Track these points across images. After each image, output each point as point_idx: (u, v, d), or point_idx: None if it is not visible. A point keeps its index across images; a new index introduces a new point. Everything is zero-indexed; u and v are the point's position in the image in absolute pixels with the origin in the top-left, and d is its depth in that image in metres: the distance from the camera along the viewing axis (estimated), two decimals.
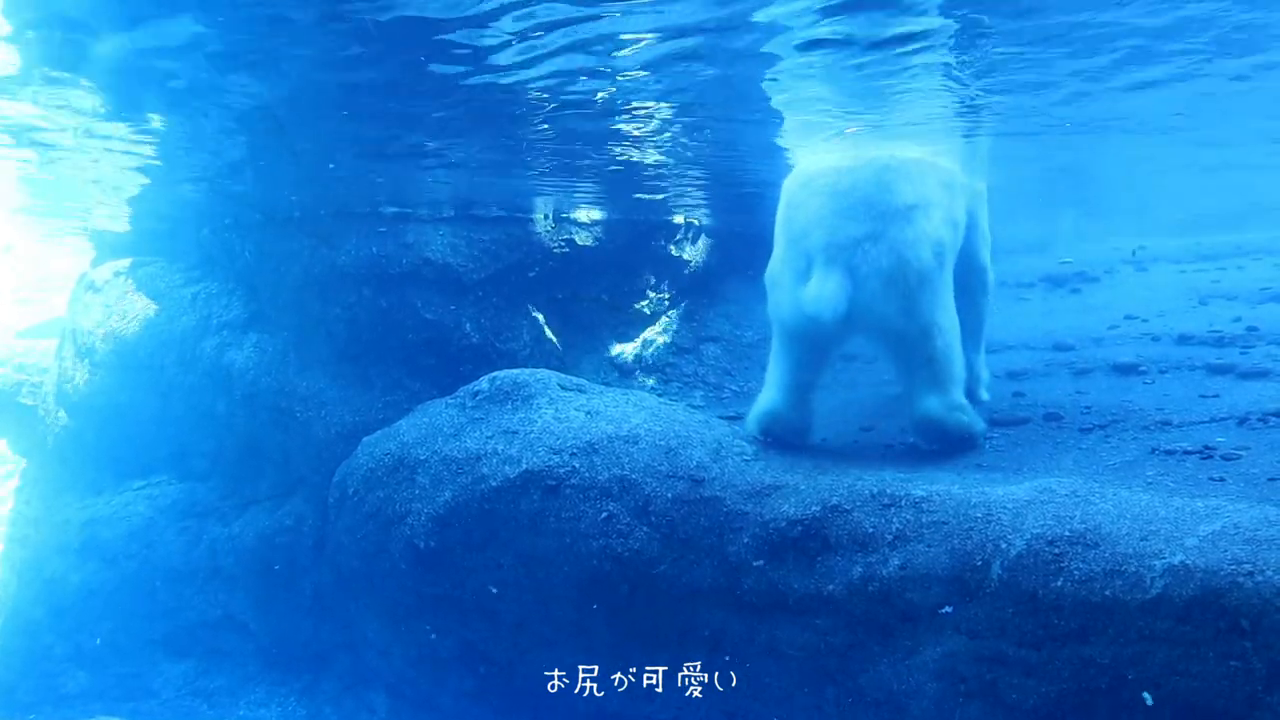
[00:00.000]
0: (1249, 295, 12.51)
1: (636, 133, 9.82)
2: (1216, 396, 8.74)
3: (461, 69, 7.37)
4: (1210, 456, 7.21)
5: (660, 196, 12.73)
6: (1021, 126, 10.75)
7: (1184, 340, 10.78)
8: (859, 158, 8.49)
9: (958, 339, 8.39)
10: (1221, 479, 6.68)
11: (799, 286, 7.97)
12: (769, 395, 8.69)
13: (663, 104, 8.81)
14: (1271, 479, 6.54)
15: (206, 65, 7.19)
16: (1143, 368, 10.01)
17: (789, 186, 8.70)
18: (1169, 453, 7.42)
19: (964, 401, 8.34)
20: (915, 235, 7.98)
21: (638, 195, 12.87)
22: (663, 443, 8.26)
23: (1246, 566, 5.25)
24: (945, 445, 8.23)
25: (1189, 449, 7.40)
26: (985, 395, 9.83)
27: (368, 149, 9.90)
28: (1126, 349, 10.85)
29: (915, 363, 8.19)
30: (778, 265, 8.44)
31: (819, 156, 9.09)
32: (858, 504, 6.98)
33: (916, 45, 7.46)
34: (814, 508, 7.09)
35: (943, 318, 8.19)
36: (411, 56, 7.07)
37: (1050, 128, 10.85)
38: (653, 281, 13.26)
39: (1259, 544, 5.41)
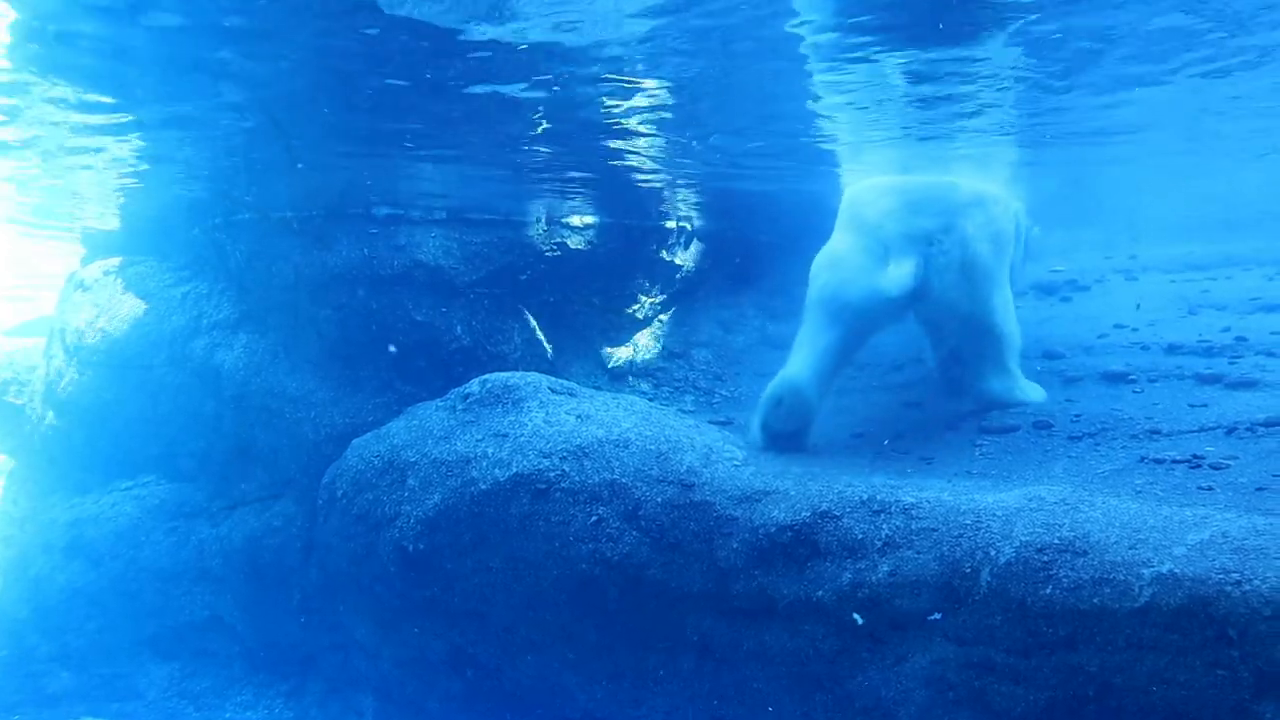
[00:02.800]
0: (1238, 305, 12.56)
1: (635, 142, 9.83)
2: (1205, 406, 8.77)
3: (459, 69, 7.37)
4: (1199, 465, 7.24)
5: (657, 185, 12.68)
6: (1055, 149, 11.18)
7: (1173, 350, 10.81)
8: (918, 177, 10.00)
9: (1014, 321, 9.58)
10: (1210, 488, 6.71)
11: (875, 271, 8.89)
12: (794, 369, 9.02)
13: (660, 95, 8.82)
14: (1259, 488, 6.57)
15: (204, 60, 7.17)
16: (1132, 376, 10.03)
17: (854, 190, 9.79)
18: (1158, 461, 7.44)
19: (1020, 376, 9.55)
20: (978, 231, 9.13)
21: (631, 197, 12.87)
22: (653, 447, 8.26)
23: (1234, 576, 5.28)
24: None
25: (1178, 458, 7.43)
26: None
27: (362, 149, 9.88)
28: (1116, 358, 10.87)
29: (980, 344, 9.42)
30: (841, 252, 9.34)
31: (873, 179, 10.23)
32: (848, 510, 6.99)
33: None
34: (804, 513, 7.10)
35: (1001, 303, 9.40)
36: (408, 57, 7.06)
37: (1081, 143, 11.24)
38: (644, 285, 13.26)
39: (1247, 553, 5.43)
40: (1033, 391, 9.56)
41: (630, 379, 12.42)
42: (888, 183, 9.53)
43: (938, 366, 10.99)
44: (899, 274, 8.68)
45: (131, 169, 10.75)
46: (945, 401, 10.26)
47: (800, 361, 9.02)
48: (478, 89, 7.78)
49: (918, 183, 9.50)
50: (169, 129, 9.11)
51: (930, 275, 8.76)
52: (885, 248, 8.92)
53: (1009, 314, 9.53)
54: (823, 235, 15.37)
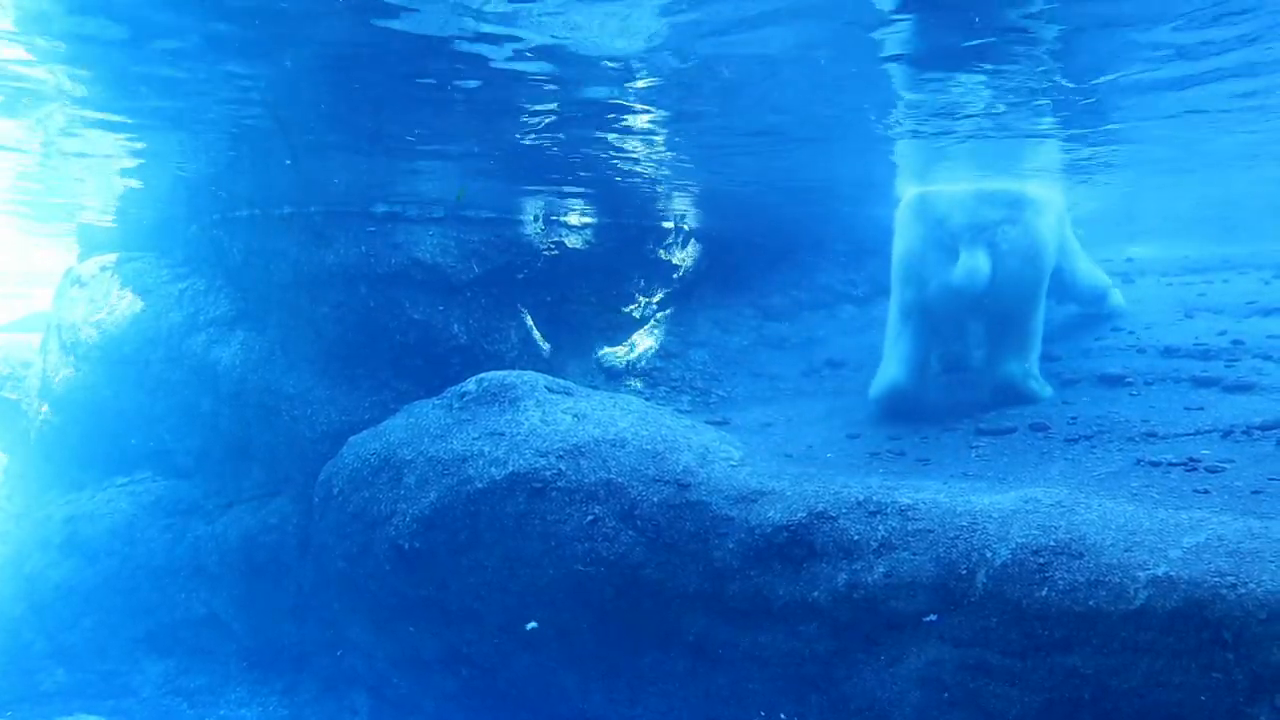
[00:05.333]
0: (1235, 309, 12.55)
1: (635, 144, 9.82)
2: (1202, 409, 8.78)
3: (456, 68, 7.36)
4: (1195, 468, 7.25)
5: (657, 185, 12.68)
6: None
7: (1170, 352, 10.81)
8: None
9: (1042, 319, 10.16)
10: (1206, 491, 6.71)
11: (945, 265, 9.55)
12: (890, 371, 10.08)
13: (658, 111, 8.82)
14: (1256, 492, 6.57)
15: (204, 55, 7.15)
16: (1129, 379, 10.04)
17: (917, 191, 10.34)
18: (1154, 464, 7.45)
19: (1037, 371, 9.98)
20: (1043, 225, 9.79)
21: (629, 196, 12.86)
22: (649, 447, 8.26)
23: (1230, 579, 5.28)
24: (1015, 402, 9.72)
25: (1174, 461, 7.43)
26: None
27: (362, 146, 9.87)
28: (1113, 360, 10.88)
29: (1010, 332, 9.89)
30: (917, 246, 9.85)
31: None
32: (844, 511, 6.99)
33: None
34: (800, 514, 7.10)
35: (1042, 299, 10.02)
36: (408, 58, 7.05)
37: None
38: (641, 285, 13.26)
39: (1242, 556, 5.44)
40: (1042, 388, 9.91)
41: (627, 378, 12.42)
42: (958, 183, 10.46)
43: (942, 359, 11.26)
44: (970, 265, 9.27)
45: (130, 164, 10.72)
46: (942, 402, 10.27)
47: (892, 360, 10.03)
48: (479, 84, 7.75)
49: (989, 183, 10.34)
50: (169, 123, 9.10)
51: (995, 262, 9.38)
52: (953, 237, 9.50)
53: (1043, 311, 10.11)
54: (821, 236, 15.47)
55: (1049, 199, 10.35)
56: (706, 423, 9.85)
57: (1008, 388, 9.77)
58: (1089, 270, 12.19)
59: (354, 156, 10.26)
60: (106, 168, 11.03)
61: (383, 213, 11.35)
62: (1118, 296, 12.65)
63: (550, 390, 9.35)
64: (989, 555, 6.14)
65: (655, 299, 13.44)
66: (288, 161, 10.10)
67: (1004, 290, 9.49)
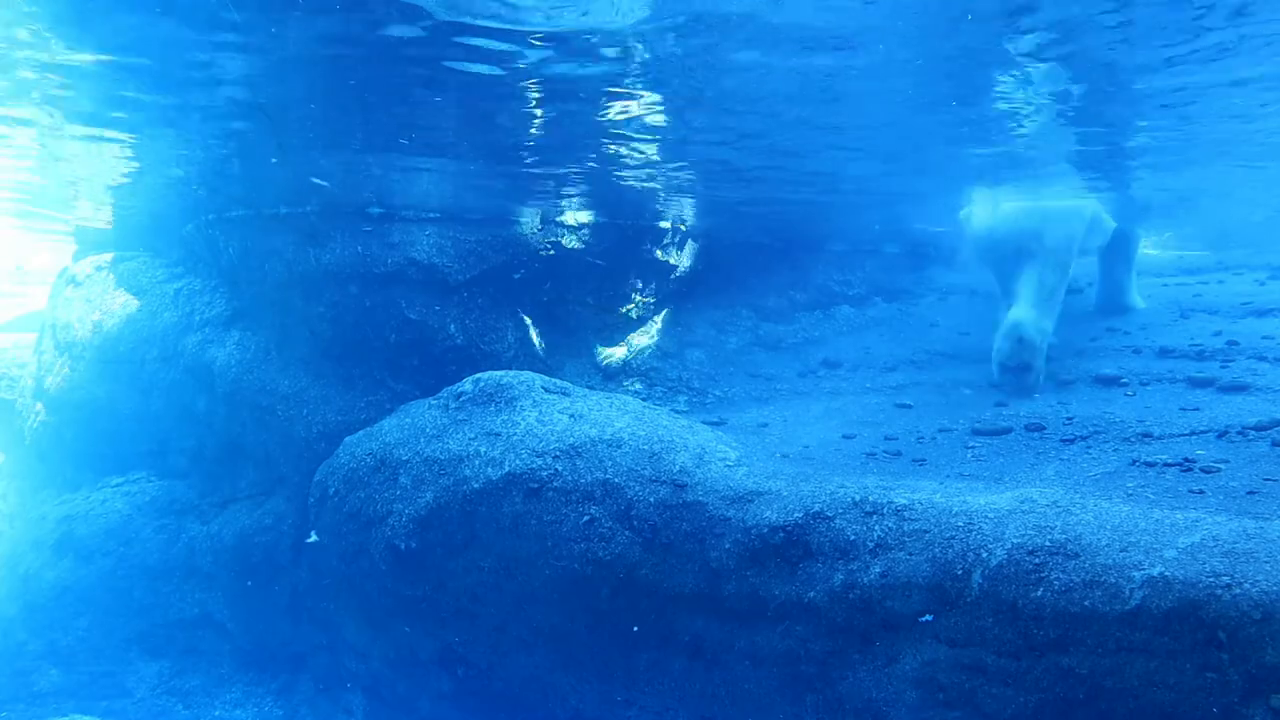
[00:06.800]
0: (1230, 310, 12.59)
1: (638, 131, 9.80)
2: (1197, 409, 8.80)
3: (450, 62, 7.34)
4: (1190, 469, 7.25)
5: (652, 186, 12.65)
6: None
7: (1165, 353, 10.84)
8: None
9: (1061, 298, 11.31)
10: (1201, 491, 6.72)
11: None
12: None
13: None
14: (1250, 492, 6.58)
15: (192, 52, 7.13)
16: (1124, 380, 10.06)
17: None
18: (1149, 464, 7.46)
19: (1050, 335, 10.94)
20: (1023, 207, 11.92)
21: (627, 197, 12.83)
22: (646, 447, 8.26)
23: (1225, 579, 5.29)
24: (1016, 359, 10.48)
25: (1169, 461, 7.44)
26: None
27: (353, 146, 9.85)
28: (1109, 361, 10.91)
29: (1019, 283, 11.30)
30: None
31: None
32: (840, 511, 6.99)
33: None
34: (796, 514, 7.10)
35: (1050, 262, 11.32)
36: (396, 49, 7.02)
37: None
38: (639, 285, 13.26)
39: (1237, 557, 5.45)
40: (1042, 362, 10.61)
41: (624, 379, 12.42)
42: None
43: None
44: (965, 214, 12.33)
45: (124, 164, 10.70)
46: (938, 403, 10.28)
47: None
48: (471, 73, 7.71)
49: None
50: (163, 123, 9.07)
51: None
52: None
53: (1053, 274, 11.20)
54: (817, 237, 15.48)
55: (1078, 214, 12.00)
56: (703, 423, 9.85)
57: (1017, 332, 10.62)
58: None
59: (348, 156, 10.23)
60: (102, 167, 11.00)
61: (378, 212, 11.34)
62: (1139, 300, 13.67)
63: (547, 390, 9.34)
64: (985, 555, 6.14)
65: (652, 299, 13.44)
66: (274, 161, 10.07)
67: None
